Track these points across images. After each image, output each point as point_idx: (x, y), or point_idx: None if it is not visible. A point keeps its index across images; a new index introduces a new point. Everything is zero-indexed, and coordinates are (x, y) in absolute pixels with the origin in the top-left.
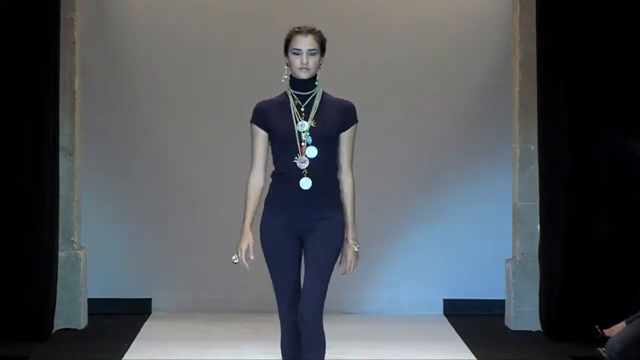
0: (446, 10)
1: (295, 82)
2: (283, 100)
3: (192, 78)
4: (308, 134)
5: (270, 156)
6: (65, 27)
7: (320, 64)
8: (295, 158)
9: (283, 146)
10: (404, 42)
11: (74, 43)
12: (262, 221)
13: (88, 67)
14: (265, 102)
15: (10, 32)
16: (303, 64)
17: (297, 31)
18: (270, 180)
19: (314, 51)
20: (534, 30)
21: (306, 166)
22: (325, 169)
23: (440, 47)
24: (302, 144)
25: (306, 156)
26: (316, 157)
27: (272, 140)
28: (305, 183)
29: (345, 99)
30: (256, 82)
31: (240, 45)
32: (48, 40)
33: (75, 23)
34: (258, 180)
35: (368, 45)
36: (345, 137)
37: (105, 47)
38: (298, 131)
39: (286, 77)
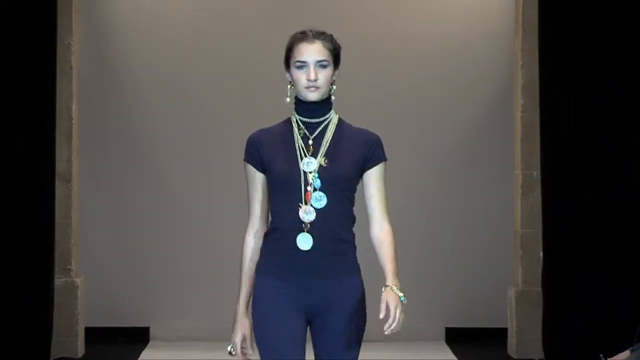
0: (448, 35)
1: (301, 106)
2: (285, 129)
3: (190, 104)
4: (316, 175)
5: None
6: (62, 52)
7: (333, 80)
8: (298, 207)
9: (282, 191)
10: (405, 67)
11: (71, 68)
12: (254, 290)
13: (86, 93)
14: (262, 132)
15: (7, 57)
16: (310, 81)
17: (301, 37)
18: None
19: (325, 62)
20: (536, 54)
21: (311, 219)
22: (337, 224)
23: (442, 72)
24: (308, 188)
25: (312, 205)
26: (325, 207)
27: (270, 182)
28: (304, 241)
29: (369, 129)
30: (258, 112)
31: (239, 71)
32: (45, 66)
33: (72, 48)
34: (257, 240)
35: (369, 73)
36: (371, 177)
37: (103, 72)
38: (303, 171)
39: (289, 98)
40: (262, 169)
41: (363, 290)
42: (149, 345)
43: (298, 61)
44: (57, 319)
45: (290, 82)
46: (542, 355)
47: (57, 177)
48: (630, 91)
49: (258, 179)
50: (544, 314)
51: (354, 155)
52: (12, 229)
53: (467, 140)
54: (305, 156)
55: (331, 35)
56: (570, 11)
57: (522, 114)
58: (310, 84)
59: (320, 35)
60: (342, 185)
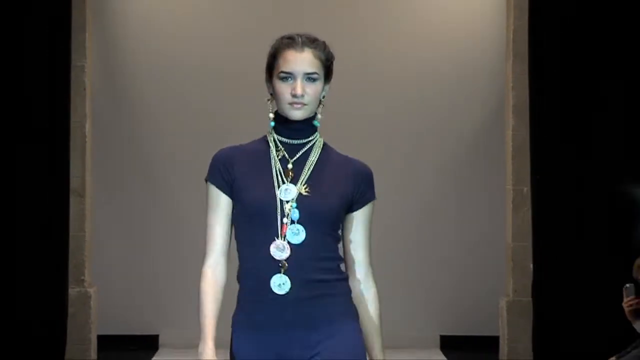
0: (444, 58)
1: (282, 124)
2: (259, 149)
3: (199, 122)
4: (294, 205)
5: (233, 242)
6: (76, 74)
7: (322, 96)
8: (272, 242)
9: (253, 223)
10: (405, 87)
11: (84, 89)
12: (230, 348)
13: (98, 112)
14: (233, 149)
15: (23, 79)
16: (296, 97)
17: (288, 43)
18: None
19: (315, 76)
20: (527, 77)
21: (284, 257)
22: (318, 262)
23: (439, 93)
24: (285, 220)
25: (287, 240)
26: (303, 242)
27: (238, 212)
28: (280, 284)
29: (357, 159)
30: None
31: (250, 88)
32: (60, 87)
33: (86, 70)
34: (218, 274)
35: (366, 92)
36: (358, 218)
37: (115, 93)
38: (280, 200)
39: (271, 115)
40: (229, 193)
41: (360, 337)
42: (158, 352)
43: (283, 72)
44: (71, 327)
45: (271, 94)
46: None
47: (71, 193)
48: (617, 110)
49: (223, 204)
50: (534, 323)
51: (340, 188)
52: (29, 241)
53: (462, 157)
54: (284, 182)
55: (323, 43)
56: (559, 37)
57: (513, 133)
58: (296, 100)
59: (310, 43)
60: (325, 219)
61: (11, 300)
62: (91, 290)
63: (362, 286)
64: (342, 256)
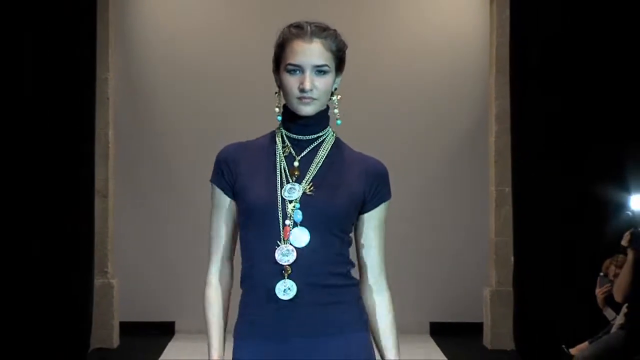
0: (435, 70)
1: (289, 119)
2: (266, 146)
3: (214, 127)
4: (297, 205)
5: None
6: (100, 85)
7: (334, 89)
8: (276, 246)
9: (255, 225)
10: (393, 98)
11: (107, 99)
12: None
13: (120, 120)
14: (237, 147)
15: (52, 90)
16: (305, 91)
17: (296, 33)
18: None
19: (325, 68)
20: (508, 88)
21: (290, 261)
22: (325, 267)
23: (428, 102)
24: (287, 222)
25: (290, 243)
26: (307, 246)
27: (240, 212)
28: (285, 289)
29: (372, 156)
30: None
31: (266, 97)
32: (85, 97)
33: (109, 82)
34: (222, 280)
35: (361, 100)
36: (370, 219)
37: (135, 102)
38: (283, 199)
39: (278, 109)
40: (232, 194)
41: (371, 347)
42: (174, 337)
43: (290, 64)
44: (95, 314)
45: (278, 86)
46: (513, 347)
47: (95, 193)
48: (589, 117)
49: (226, 206)
50: (514, 310)
51: (352, 187)
52: (58, 237)
53: (450, 160)
54: (289, 182)
55: (334, 32)
56: (538, 52)
57: (496, 138)
58: (305, 94)
59: (320, 33)
60: (330, 220)
61: (43, 291)
62: (114, 281)
63: (374, 292)
64: (354, 261)
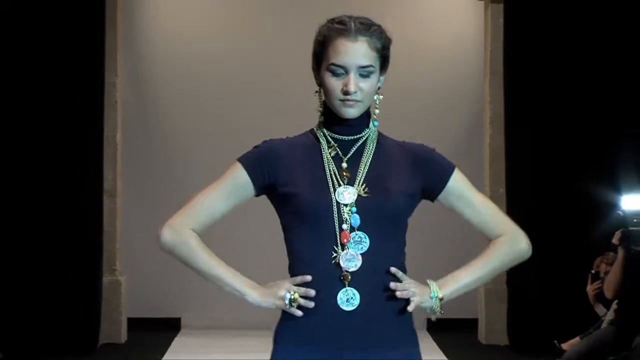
0: (429, 75)
1: (332, 120)
2: (309, 145)
3: (221, 131)
4: (354, 209)
5: (282, 248)
6: (108, 89)
7: (378, 88)
8: (334, 253)
9: (308, 229)
10: (391, 101)
11: (115, 102)
12: None
13: (128, 122)
14: (281, 143)
15: (63, 94)
16: (349, 93)
17: (340, 30)
18: None
19: (370, 69)
20: (502, 92)
21: (357, 267)
22: (385, 273)
23: (425, 105)
24: (344, 226)
25: (352, 250)
26: (367, 251)
27: (290, 217)
28: (348, 299)
29: (412, 142)
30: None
31: (271, 102)
32: (94, 101)
33: (117, 86)
34: (192, 231)
35: None
36: (451, 197)
37: (143, 105)
38: (337, 202)
39: (320, 109)
40: (259, 188)
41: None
42: (180, 332)
43: (333, 64)
44: (104, 310)
45: (319, 85)
46: (506, 342)
47: (104, 193)
48: (581, 121)
49: (241, 194)
50: (508, 307)
51: (405, 181)
52: (68, 236)
53: None
54: (340, 185)
55: (379, 28)
56: (531, 57)
57: (490, 141)
58: (348, 97)
59: (366, 30)
60: (389, 221)
61: (53, 288)
62: (121, 279)
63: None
64: (405, 266)
